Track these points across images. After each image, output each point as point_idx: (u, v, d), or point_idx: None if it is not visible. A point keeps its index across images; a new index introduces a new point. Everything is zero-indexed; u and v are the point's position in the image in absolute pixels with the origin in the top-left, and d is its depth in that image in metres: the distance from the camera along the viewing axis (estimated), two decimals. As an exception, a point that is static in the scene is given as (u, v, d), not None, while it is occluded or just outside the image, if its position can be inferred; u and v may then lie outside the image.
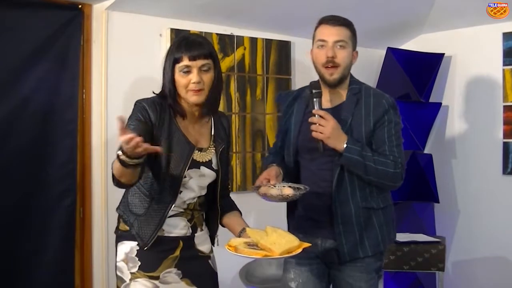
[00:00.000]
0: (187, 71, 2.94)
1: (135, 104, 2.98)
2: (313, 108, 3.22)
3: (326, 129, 3.14)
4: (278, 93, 3.85)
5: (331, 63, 3.30)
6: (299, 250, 2.93)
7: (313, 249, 3.34)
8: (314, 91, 3.24)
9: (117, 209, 3.11)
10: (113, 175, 2.81)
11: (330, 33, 3.31)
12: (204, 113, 3.09)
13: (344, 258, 3.35)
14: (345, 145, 3.17)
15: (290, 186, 3.15)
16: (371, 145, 3.32)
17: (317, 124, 3.16)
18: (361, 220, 3.33)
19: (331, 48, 3.29)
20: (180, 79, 2.95)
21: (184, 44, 2.97)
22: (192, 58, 2.93)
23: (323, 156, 3.27)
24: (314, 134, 3.16)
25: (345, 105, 3.36)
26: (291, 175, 3.41)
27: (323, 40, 3.32)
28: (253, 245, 2.92)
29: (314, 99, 3.23)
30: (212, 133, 3.16)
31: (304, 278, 3.46)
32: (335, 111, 3.34)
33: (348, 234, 3.32)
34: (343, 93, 3.40)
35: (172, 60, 2.95)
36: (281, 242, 2.91)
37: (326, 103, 3.38)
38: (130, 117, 2.94)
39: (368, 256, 3.38)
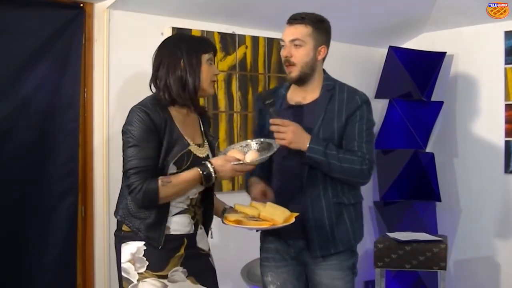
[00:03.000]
0: (211, 62, 3.09)
1: (133, 112, 2.95)
2: (270, 117, 3.30)
3: (287, 135, 3.23)
4: (259, 92, 3.93)
5: (287, 62, 3.40)
6: (293, 220, 3.10)
7: (286, 250, 3.48)
8: (266, 102, 3.34)
9: (115, 214, 3.08)
10: (157, 198, 2.91)
11: (287, 33, 3.41)
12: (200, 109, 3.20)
13: (315, 254, 3.39)
14: (307, 145, 3.24)
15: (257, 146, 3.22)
16: (342, 140, 3.38)
17: (277, 132, 3.24)
18: (333, 215, 3.39)
19: (287, 48, 3.39)
20: (209, 69, 3.07)
21: (205, 39, 3.27)
22: (215, 52, 3.16)
23: (294, 153, 3.33)
24: (277, 141, 3.22)
25: (318, 101, 3.42)
26: (266, 171, 3.52)
27: (282, 40, 3.43)
28: (253, 218, 3.09)
29: (270, 110, 3.32)
30: (202, 129, 3.22)
31: (282, 280, 3.51)
32: (308, 108, 3.43)
33: (320, 230, 3.36)
34: (315, 90, 3.46)
35: (200, 52, 3.04)
36: (278, 212, 3.10)
37: (299, 100, 3.47)
38: (136, 133, 2.91)
39: (340, 253, 3.43)
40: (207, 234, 3.26)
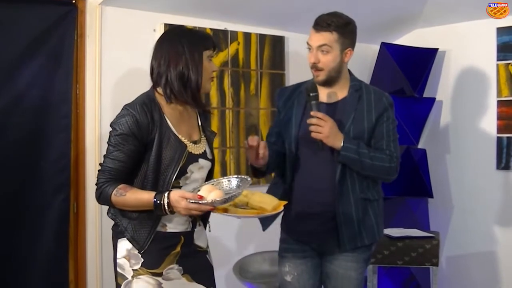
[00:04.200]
0: (211, 59, 3.05)
1: (122, 112, 2.93)
2: (311, 110, 3.37)
3: (324, 129, 3.31)
4: (278, 89, 3.95)
5: (314, 67, 3.47)
6: (282, 208, 3.09)
7: (307, 242, 3.58)
8: (311, 94, 3.40)
9: (108, 213, 3.08)
10: (111, 204, 2.93)
11: (313, 39, 3.45)
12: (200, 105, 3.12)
13: (344, 248, 3.50)
14: (342, 144, 3.34)
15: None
16: (371, 139, 3.49)
17: (316, 125, 3.31)
18: (359, 211, 3.49)
19: (314, 54, 3.44)
20: (208, 66, 3.03)
21: (207, 34, 3.16)
22: (215, 48, 3.10)
23: (324, 151, 3.41)
24: (313, 134, 3.33)
25: (347, 101, 3.52)
26: (292, 167, 3.55)
27: (309, 44, 3.48)
28: (241, 206, 3.03)
29: (312, 102, 3.39)
30: (200, 124, 3.18)
31: (299, 271, 3.61)
32: (335, 106, 3.52)
33: (348, 225, 3.47)
34: (343, 89, 3.56)
35: (202, 48, 3.00)
36: (266, 200, 3.06)
37: (326, 99, 3.53)
38: (117, 133, 2.90)
39: (364, 246, 3.55)
40: (205, 228, 3.24)
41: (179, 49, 2.96)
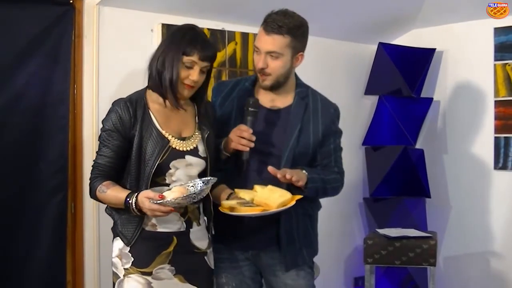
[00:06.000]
0: (190, 66, 3.00)
1: (110, 108, 3.04)
2: (245, 123, 3.16)
3: (293, 178, 3.08)
4: (216, 82, 3.76)
5: (261, 72, 3.23)
6: (293, 202, 3.00)
7: (243, 252, 3.38)
8: (250, 109, 3.19)
9: (106, 209, 3.12)
10: (97, 199, 3.02)
11: (264, 42, 3.19)
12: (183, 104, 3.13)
13: (287, 268, 3.34)
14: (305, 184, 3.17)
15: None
16: (316, 153, 3.35)
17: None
18: (300, 228, 3.35)
19: (263, 59, 3.20)
20: (183, 72, 3.00)
21: (200, 41, 3.04)
22: (202, 58, 3.01)
23: (269, 162, 3.18)
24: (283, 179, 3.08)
25: (293, 110, 3.33)
26: (229, 172, 3.29)
27: (257, 47, 3.24)
28: (247, 203, 2.99)
29: (248, 118, 3.18)
30: (196, 121, 3.17)
31: (237, 281, 3.40)
32: (278, 114, 3.33)
33: (290, 244, 3.32)
34: (288, 95, 3.36)
35: (181, 51, 2.98)
36: (275, 196, 2.98)
37: (269, 104, 3.35)
38: (104, 129, 3.01)
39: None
40: (209, 228, 3.22)
41: (163, 46, 3.05)
